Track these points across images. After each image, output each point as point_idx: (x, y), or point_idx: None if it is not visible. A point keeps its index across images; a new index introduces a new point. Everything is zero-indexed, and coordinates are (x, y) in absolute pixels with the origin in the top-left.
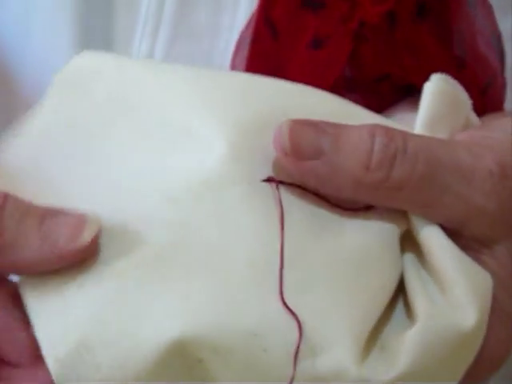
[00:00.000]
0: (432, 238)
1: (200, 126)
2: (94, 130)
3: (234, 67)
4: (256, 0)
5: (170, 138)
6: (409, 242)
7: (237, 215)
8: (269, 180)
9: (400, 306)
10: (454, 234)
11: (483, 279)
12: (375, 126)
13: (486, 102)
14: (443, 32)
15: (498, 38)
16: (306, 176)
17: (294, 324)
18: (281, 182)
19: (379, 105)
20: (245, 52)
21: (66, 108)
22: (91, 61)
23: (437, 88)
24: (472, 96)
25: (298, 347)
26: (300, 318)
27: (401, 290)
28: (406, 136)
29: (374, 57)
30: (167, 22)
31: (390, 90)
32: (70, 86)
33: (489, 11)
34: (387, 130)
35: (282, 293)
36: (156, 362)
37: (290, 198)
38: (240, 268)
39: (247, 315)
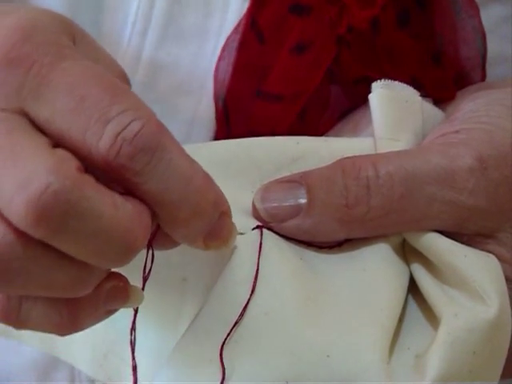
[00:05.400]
0: (431, 241)
1: None
2: None
3: (218, 72)
4: (245, 5)
5: None
6: (412, 252)
7: None
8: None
9: (415, 310)
10: (455, 233)
11: (490, 263)
12: (341, 162)
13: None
14: (425, 34)
15: (482, 36)
16: (293, 234)
17: None
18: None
19: (357, 101)
20: (231, 57)
21: None
22: None
23: (381, 96)
24: (445, 85)
25: None
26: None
27: (413, 296)
28: (374, 160)
29: (354, 61)
30: (156, 23)
31: (368, 91)
32: None
33: (475, 12)
34: (353, 162)
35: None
36: None
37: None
38: None
39: None
